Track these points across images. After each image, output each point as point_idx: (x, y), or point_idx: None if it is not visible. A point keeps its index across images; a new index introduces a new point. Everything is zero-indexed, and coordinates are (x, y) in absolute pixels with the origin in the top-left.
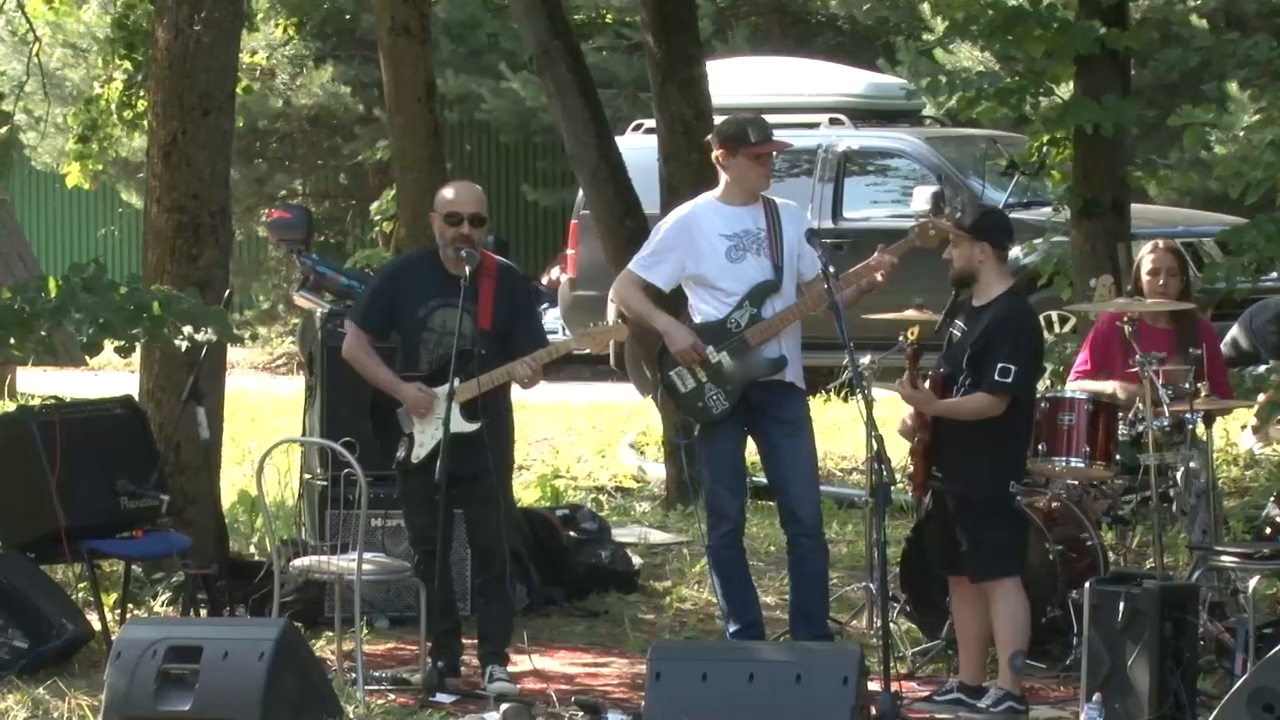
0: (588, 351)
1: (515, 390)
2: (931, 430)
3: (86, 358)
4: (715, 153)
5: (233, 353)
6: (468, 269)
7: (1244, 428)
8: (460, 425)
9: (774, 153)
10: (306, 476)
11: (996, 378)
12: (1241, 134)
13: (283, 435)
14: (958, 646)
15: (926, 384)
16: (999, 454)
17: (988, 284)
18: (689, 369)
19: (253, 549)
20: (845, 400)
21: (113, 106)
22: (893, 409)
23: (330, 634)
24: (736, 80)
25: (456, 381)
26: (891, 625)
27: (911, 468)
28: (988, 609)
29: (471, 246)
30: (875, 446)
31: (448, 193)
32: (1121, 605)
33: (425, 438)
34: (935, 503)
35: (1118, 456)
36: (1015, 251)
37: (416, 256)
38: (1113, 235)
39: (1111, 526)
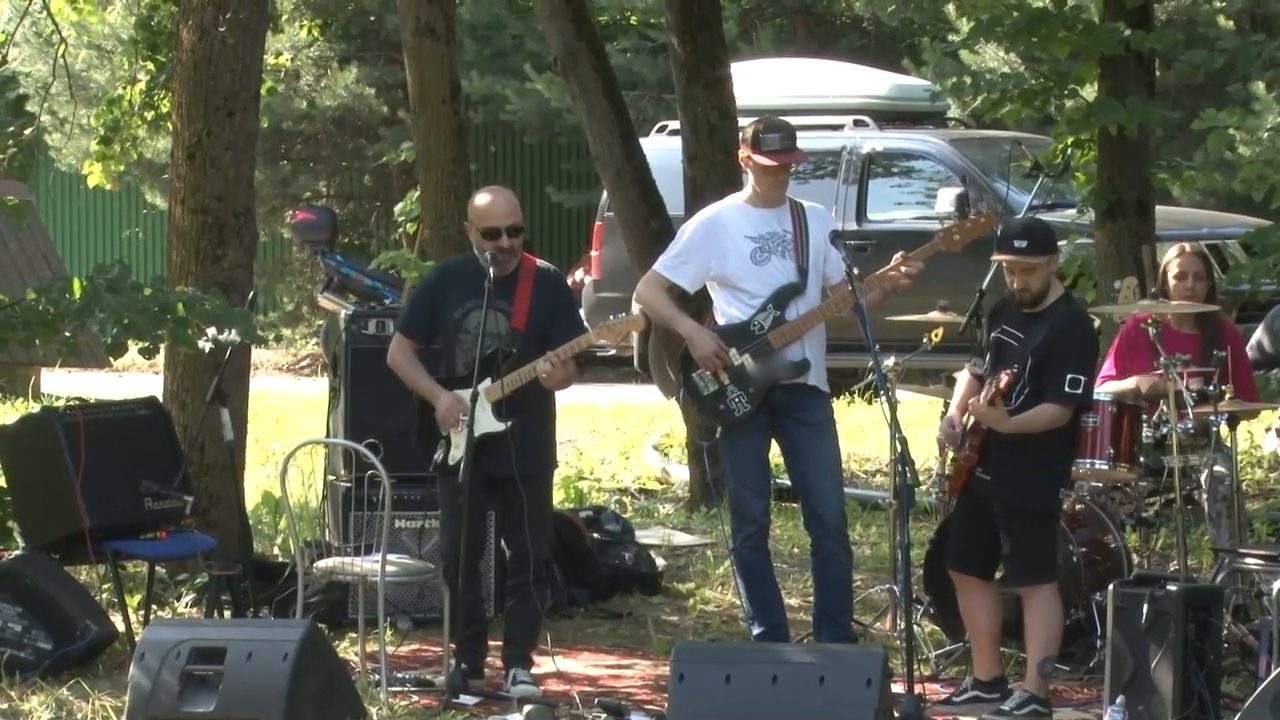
0: (612, 352)
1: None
2: (984, 433)
3: (110, 359)
4: (741, 154)
5: (257, 354)
6: (492, 271)
7: (1268, 430)
8: (491, 425)
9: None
10: (330, 478)
11: (1068, 389)
12: (1266, 136)
13: (307, 436)
14: (972, 643)
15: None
16: (1055, 462)
17: (1048, 291)
18: (712, 371)
19: (276, 550)
20: (869, 402)
21: (135, 107)
22: (916, 411)
23: (354, 635)
24: (761, 82)
25: (488, 382)
26: (915, 627)
27: (937, 470)
28: (997, 605)
29: (511, 256)
30: (899, 448)
31: (480, 204)
32: (1145, 607)
33: (460, 440)
34: (965, 501)
35: (1141, 458)
36: None
37: (458, 262)
38: (1137, 237)
39: (1135, 528)
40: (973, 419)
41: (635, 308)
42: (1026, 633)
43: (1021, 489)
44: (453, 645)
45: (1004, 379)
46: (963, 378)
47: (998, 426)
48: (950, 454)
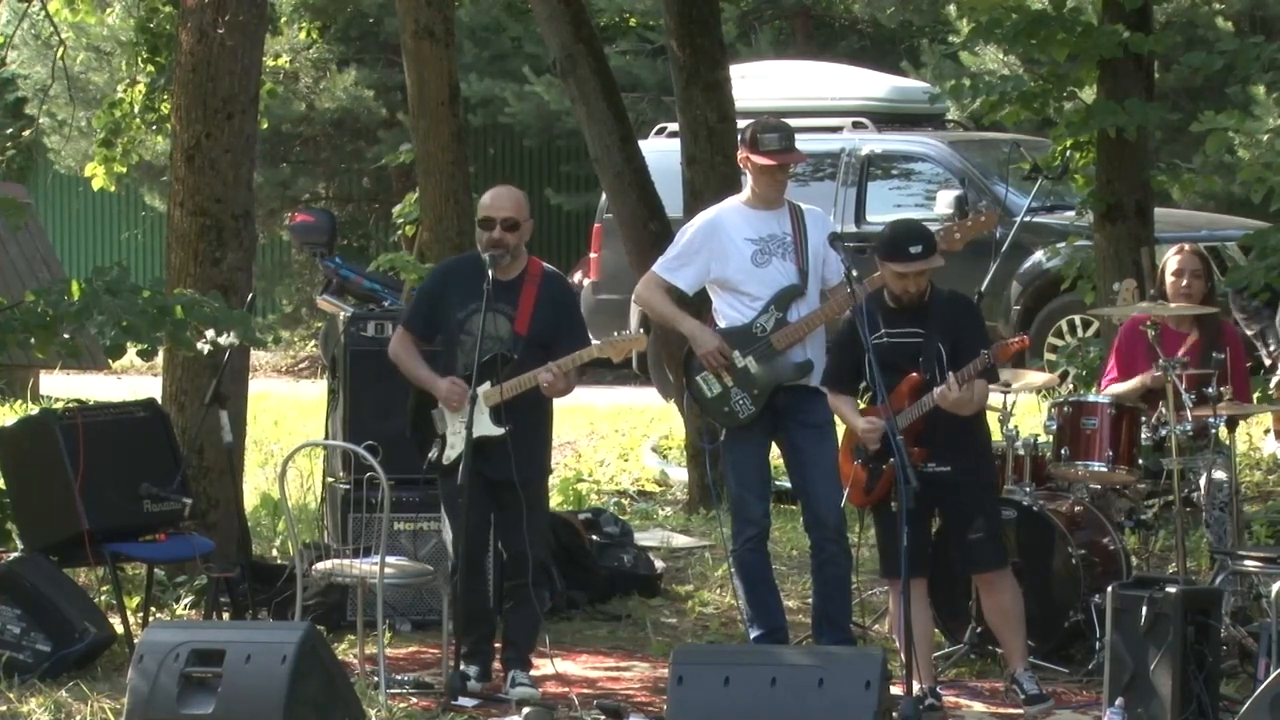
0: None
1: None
2: (918, 429)
3: (109, 361)
4: (739, 155)
5: (255, 356)
6: (493, 272)
7: (1266, 432)
8: (488, 428)
9: (789, 164)
10: (329, 480)
11: (991, 363)
12: (1265, 138)
13: (305, 439)
14: (916, 652)
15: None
16: (989, 437)
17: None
18: (715, 374)
19: (275, 552)
20: (868, 404)
21: (136, 109)
22: None
23: (353, 637)
24: (760, 84)
25: (487, 385)
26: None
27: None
28: (930, 609)
29: (504, 250)
30: (898, 450)
31: (484, 198)
32: (1144, 609)
33: (457, 439)
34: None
35: (1140, 460)
36: (1039, 255)
37: (464, 260)
38: (1136, 239)
39: (1134, 530)
40: (908, 419)
41: (634, 313)
42: (1004, 617)
43: (984, 468)
44: (453, 646)
45: (915, 377)
46: (835, 398)
47: (965, 410)
48: (858, 467)
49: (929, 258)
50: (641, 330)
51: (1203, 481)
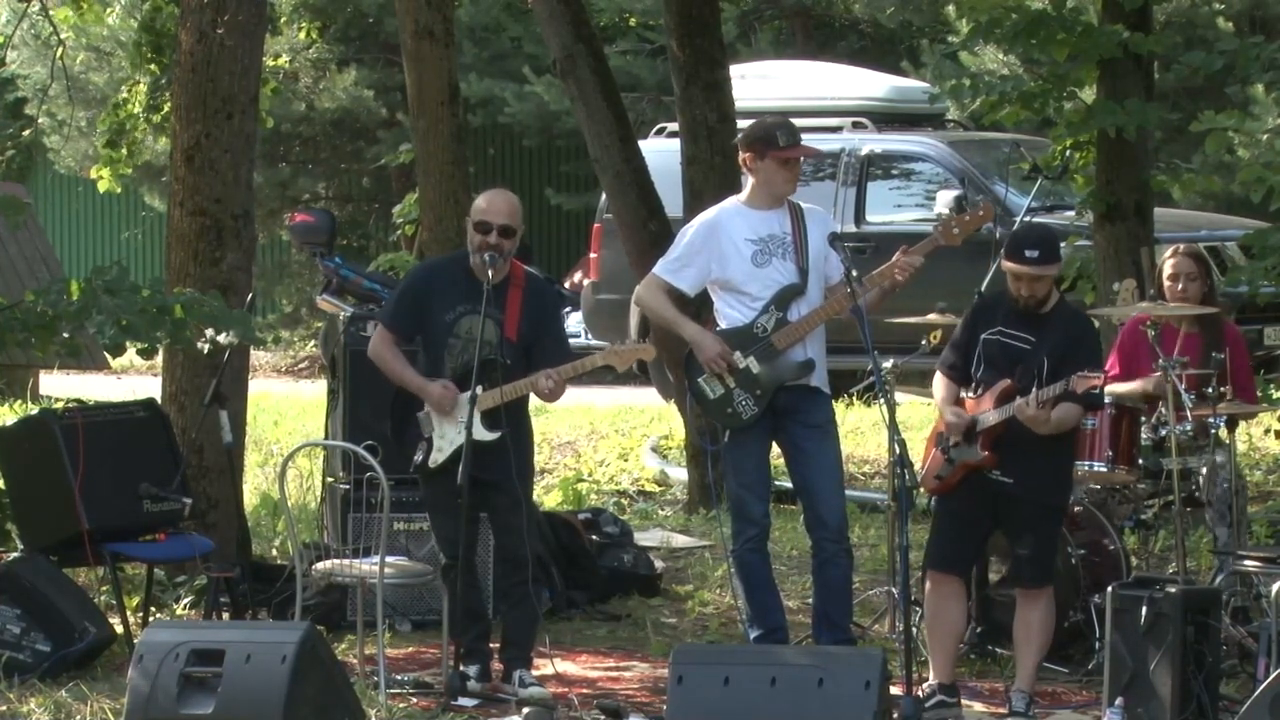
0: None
1: (535, 397)
2: (996, 434)
3: (109, 360)
4: (742, 156)
5: (255, 356)
6: (490, 274)
7: (1266, 432)
8: (481, 433)
9: (801, 158)
10: (329, 480)
11: (1072, 390)
12: (1265, 138)
13: (305, 438)
14: (934, 648)
15: (982, 393)
16: (1070, 460)
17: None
18: (717, 376)
19: (275, 552)
20: (868, 404)
21: (140, 110)
22: (915, 413)
23: (352, 637)
24: (760, 84)
25: (479, 389)
26: (914, 630)
27: (927, 467)
28: (965, 609)
29: (499, 254)
30: (898, 450)
31: (480, 201)
32: (1144, 609)
33: (444, 442)
34: (953, 501)
35: (1140, 461)
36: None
37: (448, 261)
38: (1136, 239)
39: (1134, 531)
40: (987, 422)
41: (634, 314)
42: (1027, 633)
43: (1052, 487)
44: (453, 646)
45: (1009, 384)
46: (941, 381)
47: (1041, 429)
48: (938, 454)
49: (1044, 265)
50: (648, 340)
51: (1204, 470)
